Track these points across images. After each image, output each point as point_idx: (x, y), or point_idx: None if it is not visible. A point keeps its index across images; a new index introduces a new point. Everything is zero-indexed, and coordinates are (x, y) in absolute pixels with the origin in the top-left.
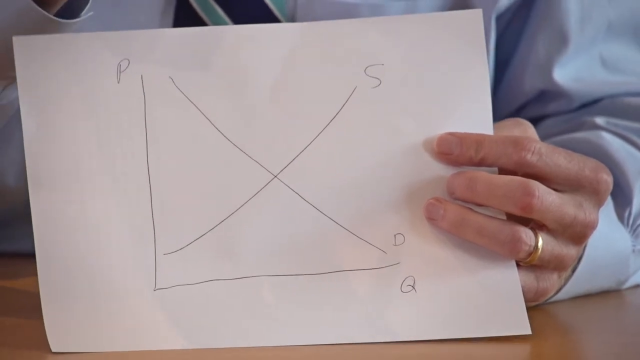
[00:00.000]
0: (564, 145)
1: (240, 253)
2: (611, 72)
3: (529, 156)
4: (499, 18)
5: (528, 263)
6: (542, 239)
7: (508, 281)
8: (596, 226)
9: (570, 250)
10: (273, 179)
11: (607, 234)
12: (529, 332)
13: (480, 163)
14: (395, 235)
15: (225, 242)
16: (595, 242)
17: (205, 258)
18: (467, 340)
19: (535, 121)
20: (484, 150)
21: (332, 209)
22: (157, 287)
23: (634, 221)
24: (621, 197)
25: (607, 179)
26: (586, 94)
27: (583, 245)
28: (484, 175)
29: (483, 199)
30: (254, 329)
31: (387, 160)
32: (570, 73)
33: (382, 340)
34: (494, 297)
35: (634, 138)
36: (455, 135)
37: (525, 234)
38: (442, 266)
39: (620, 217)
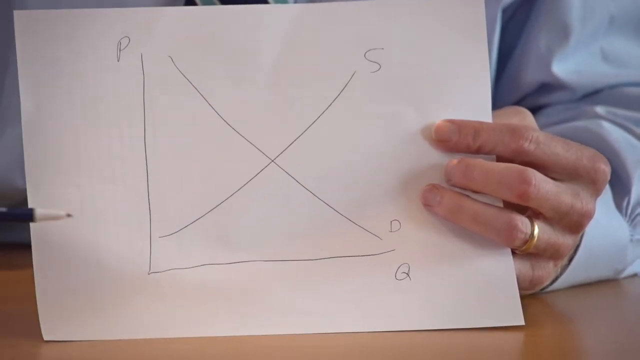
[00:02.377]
0: (564, 134)
1: (235, 237)
2: (612, 65)
3: (526, 144)
4: (504, 11)
5: (524, 251)
6: (538, 227)
7: (503, 271)
8: (593, 215)
9: (566, 239)
10: (270, 163)
11: (605, 223)
12: (522, 323)
13: (478, 151)
14: (391, 222)
15: (221, 226)
16: (592, 232)
17: (200, 242)
18: (462, 330)
19: (536, 110)
20: (482, 138)
21: (329, 194)
22: (151, 271)
23: (633, 210)
24: (620, 186)
25: (605, 168)
26: (586, 85)
27: (580, 234)
28: (481, 163)
29: (480, 186)
30: (247, 316)
31: (384, 146)
32: (570, 66)
33: (375, 330)
34: (488, 287)
35: (634, 127)
36: (453, 123)
37: (522, 221)
38: (437, 254)
39: (619, 207)
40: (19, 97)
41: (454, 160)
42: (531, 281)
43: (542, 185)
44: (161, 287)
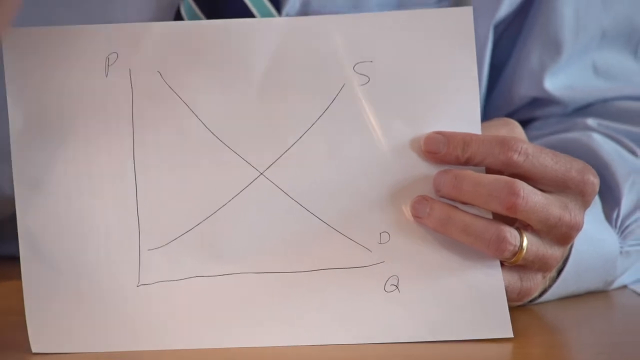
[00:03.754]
0: (555, 146)
1: (224, 250)
2: (603, 79)
3: (515, 156)
4: (496, 26)
5: (512, 263)
6: (527, 239)
7: (492, 284)
8: (581, 228)
9: (554, 251)
10: (259, 176)
11: (595, 235)
12: (510, 335)
13: (467, 162)
14: (380, 234)
15: (210, 238)
16: (582, 244)
17: (189, 254)
18: (451, 342)
19: (527, 122)
20: (471, 150)
21: (318, 206)
22: (140, 283)
23: (622, 222)
24: (610, 198)
25: (594, 180)
26: (578, 100)
27: (568, 246)
28: (470, 174)
29: (468, 197)
30: (235, 328)
31: (374, 158)
32: (562, 81)
33: (365, 342)
34: (477, 300)
35: (624, 140)
36: (442, 134)
37: (510, 233)
38: (426, 266)
39: (609, 218)
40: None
41: (443, 171)
42: (519, 293)
43: (531, 197)
44: (150, 299)
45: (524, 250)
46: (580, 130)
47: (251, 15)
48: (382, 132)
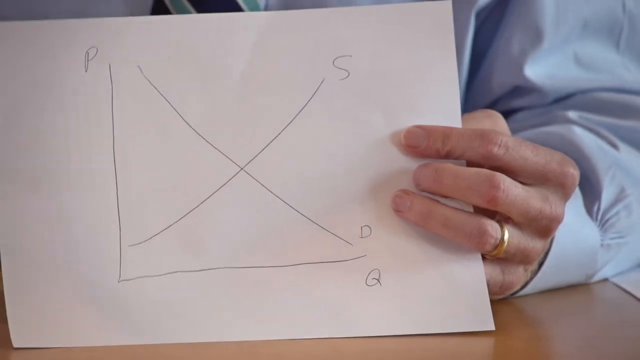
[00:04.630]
0: (536, 139)
1: (205, 245)
2: (585, 69)
3: (495, 149)
4: (477, 14)
5: (494, 256)
6: (508, 231)
7: (473, 276)
8: (562, 220)
9: (535, 244)
10: (239, 171)
11: (576, 228)
12: (492, 328)
13: (447, 156)
14: (362, 228)
15: (191, 234)
16: (563, 237)
17: (171, 250)
18: (431, 335)
19: (508, 114)
20: (451, 143)
21: (299, 201)
22: (121, 279)
23: (603, 215)
24: (590, 191)
25: (574, 172)
26: (559, 89)
27: (549, 239)
28: (450, 167)
29: (449, 191)
30: (217, 322)
31: (354, 152)
32: (543, 70)
33: (346, 336)
34: (459, 292)
35: (605, 132)
36: (422, 128)
37: (492, 226)
38: (408, 259)
39: (589, 211)
40: None
41: (423, 165)
42: (501, 286)
43: (511, 189)
44: (131, 294)
45: (505, 243)
46: (561, 123)
47: (236, 4)
48: (361, 126)
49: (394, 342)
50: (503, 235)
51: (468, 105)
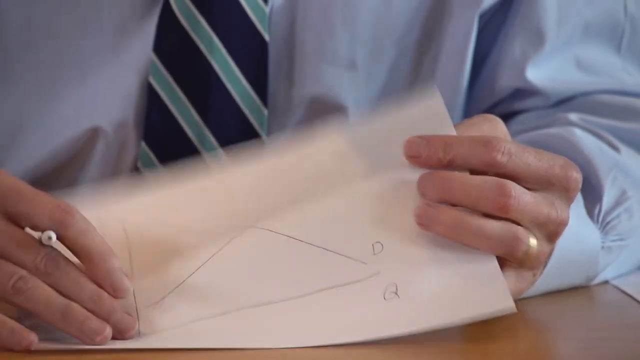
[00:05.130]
0: (536, 141)
1: (220, 292)
2: (585, 73)
3: (499, 157)
4: (481, 16)
5: (519, 262)
6: (532, 237)
7: (487, 268)
8: (567, 224)
9: (545, 249)
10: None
11: (577, 230)
12: (513, 307)
13: (449, 164)
14: (373, 245)
15: (205, 285)
16: (564, 239)
17: (186, 302)
18: (433, 336)
19: (509, 116)
20: (453, 152)
21: (307, 232)
22: (141, 334)
23: (604, 218)
24: (591, 193)
25: (577, 176)
26: (560, 92)
27: (555, 243)
28: (458, 176)
29: (459, 199)
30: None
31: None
32: (544, 73)
33: (362, 339)
34: (475, 281)
35: (606, 135)
36: (422, 137)
37: (522, 233)
38: (422, 266)
39: (590, 214)
40: None
41: (428, 174)
42: (513, 293)
43: (522, 197)
44: (150, 344)
45: (533, 248)
46: (562, 125)
47: (240, 7)
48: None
49: (397, 343)
50: (530, 240)
51: (470, 108)
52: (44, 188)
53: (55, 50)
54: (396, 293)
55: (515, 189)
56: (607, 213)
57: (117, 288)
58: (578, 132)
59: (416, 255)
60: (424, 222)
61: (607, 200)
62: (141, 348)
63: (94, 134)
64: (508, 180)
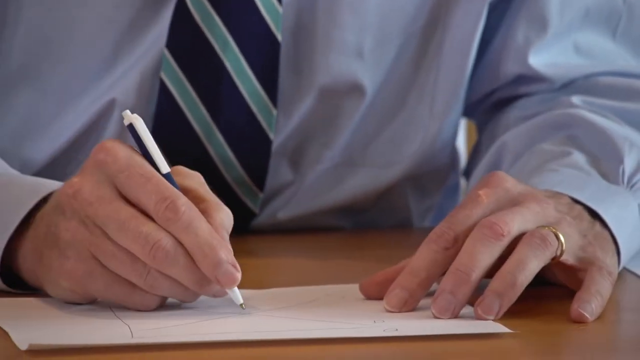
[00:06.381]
0: (544, 125)
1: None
2: (584, 58)
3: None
4: (489, 3)
5: (558, 259)
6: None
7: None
8: (538, 197)
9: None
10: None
11: (609, 193)
12: (505, 330)
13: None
14: (374, 321)
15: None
16: (609, 209)
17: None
18: (444, 338)
19: (513, 99)
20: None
21: (310, 319)
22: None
23: (629, 180)
24: (612, 158)
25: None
26: (561, 76)
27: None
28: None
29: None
30: None
31: None
32: (546, 59)
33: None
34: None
35: (610, 115)
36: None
37: (548, 234)
38: (424, 314)
39: (615, 176)
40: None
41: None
42: (609, 278)
43: (508, 224)
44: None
45: (564, 242)
46: (565, 108)
47: (253, 4)
48: None
49: (397, 343)
50: (558, 236)
51: (473, 91)
52: (63, 160)
53: (75, 44)
54: (397, 329)
55: (504, 226)
56: (632, 175)
57: (225, 281)
58: (584, 111)
59: (418, 309)
60: (489, 313)
61: (629, 163)
62: (137, 344)
63: (110, 105)
64: (496, 224)
